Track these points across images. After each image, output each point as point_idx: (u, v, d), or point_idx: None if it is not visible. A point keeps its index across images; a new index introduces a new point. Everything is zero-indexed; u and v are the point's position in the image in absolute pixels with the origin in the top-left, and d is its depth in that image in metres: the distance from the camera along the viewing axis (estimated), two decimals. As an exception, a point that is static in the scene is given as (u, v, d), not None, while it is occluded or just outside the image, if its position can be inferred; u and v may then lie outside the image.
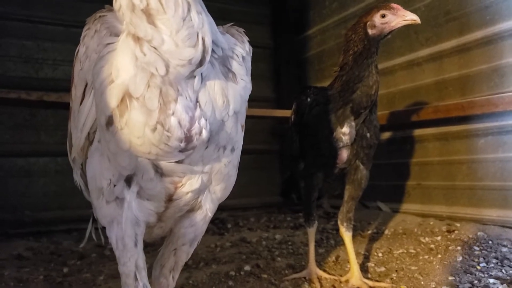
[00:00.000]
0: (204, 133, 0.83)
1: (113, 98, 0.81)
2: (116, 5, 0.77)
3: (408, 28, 2.67)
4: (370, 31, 1.53)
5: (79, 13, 3.13)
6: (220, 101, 0.86)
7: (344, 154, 1.60)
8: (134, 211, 0.94)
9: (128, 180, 0.92)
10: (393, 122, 2.75)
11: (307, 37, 3.84)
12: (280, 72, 3.99)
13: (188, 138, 0.82)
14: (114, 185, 0.92)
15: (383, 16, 1.50)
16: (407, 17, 1.52)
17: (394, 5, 1.53)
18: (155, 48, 0.76)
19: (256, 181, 3.75)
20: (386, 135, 2.93)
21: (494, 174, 2.28)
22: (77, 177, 1.14)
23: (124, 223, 0.94)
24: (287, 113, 2.67)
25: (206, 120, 0.83)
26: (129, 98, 0.80)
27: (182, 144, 0.82)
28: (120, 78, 0.80)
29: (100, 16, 0.96)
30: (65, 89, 2.86)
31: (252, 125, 3.59)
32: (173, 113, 0.79)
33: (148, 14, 0.75)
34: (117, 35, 0.89)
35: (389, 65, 2.91)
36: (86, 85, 0.97)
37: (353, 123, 1.57)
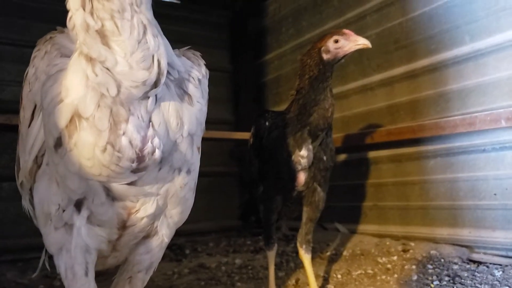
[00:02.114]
0: (157, 153, 0.81)
1: (61, 118, 0.78)
2: (69, 24, 0.75)
3: (361, 55, 2.80)
4: (324, 56, 1.58)
5: (29, 32, 3.05)
6: (174, 122, 0.85)
7: (302, 177, 1.61)
8: (84, 237, 0.90)
9: (78, 205, 0.88)
10: (349, 145, 2.83)
11: (265, 62, 3.91)
12: (239, 95, 4.03)
13: (140, 158, 0.79)
14: (63, 210, 0.87)
15: (336, 41, 1.56)
16: (359, 42, 1.58)
17: (347, 31, 1.60)
18: (107, 69, 0.75)
19: (215, 205, 3.69)
20: (342, 157, 3.00)
21: (444, 194, 2.38)
22: (25, 203, 1.08)
23: (74, 250, 0.89)
24: (245, 135, 2.68)
25: (159, 139, 0.81)
26: (78, 118, 0.77)
27: (134, 165, 0.79)
28: (70, 97, 0.77)
29: (50, 38, 0.94)
30: (13, 111, 2.73)
31: (210, 147, 3.56)
32: (123, 133, 0.77)
33: (102, 35, 0.73)
34: (67, 56, 0.86)
35: (344, 89, 3.01)
36: (35, 107, 0.93)
37: (310, 146, 1.60)
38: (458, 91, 2.31)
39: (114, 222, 0.91)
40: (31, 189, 1.01)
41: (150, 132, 0.80)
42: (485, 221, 2.19)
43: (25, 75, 0.99)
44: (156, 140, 0.80)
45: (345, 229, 2.97)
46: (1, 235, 2.86)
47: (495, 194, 2.16)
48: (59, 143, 0.80)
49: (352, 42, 1.57)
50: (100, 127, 0.76)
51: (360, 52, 2.57)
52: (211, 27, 3.96)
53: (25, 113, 0.96)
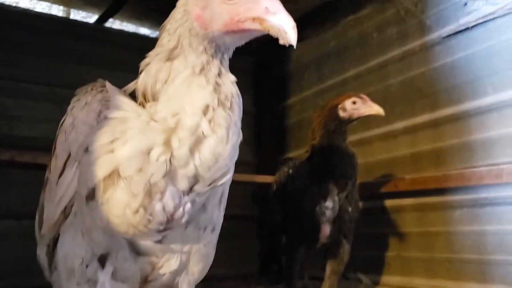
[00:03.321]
0: (186, 217, 0.82)
1: (102, 169, 0.80)
2: (164, 116, 0.83)
3: (384, 102, 2.81)
4: (341, 113, 1.64)
5: (63, 73, 3.19)
6: None
7: (327, 229, 1.61)
8: None
9: (102, 260, 0.88)
10: (372, 192, 2.79)
11: (287, 106, 3.97)
12: (261, 138, 4.07)
13: (169, 221, 0.81)
14: (87, 266, 0.87)
15: (354, 102, 1.62)
16: (374, 108, 1.66)
17: (364, 96, 1.66)
18: (171, 162, 0.81)
19: (233, 250, 3.63)
20: (364, 204, 2.96)
21: (471, 246, 2.30)
22: (41, 253, 1.07)
23: None
24: (267, 178, 2.69)
25: (191, 205, 0.83)
26: (117, 175, 0.79)
27: (162, 227, 0.80)
28: (119, 152, 0.80)
29: (92, 89, 0.98)
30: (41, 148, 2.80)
31: (231, 189, 3.56)
32: (160, 199, 0.79)
33: (199, 140, 0.80)
34: (117, 107, 0.89)
35: (367, 135, 3.02)
36: (68, 157, 0.95)
37: (336, 198, 1.60)
38: (482, 141, 2.29)
39: (137, 277, 0.91)
40: (49, 242, 1.01)
41: (184, 198, 0.81)
42: (515, 277, 2.10)
43: (60, 123, 1.02)
44: (188, 206, 0.82)
45: (368, 280, 2.87)
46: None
47: (525, 249, 2.08)
48: (91, 195, 0.82)
49: (367, 107, 1.64)
50: (134, 190, 0.77)
51: (383, 100, 2.62)
52: (237, 72, 4.07)
53: (57, 162, 0.97)
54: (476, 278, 2.25)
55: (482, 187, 2.22)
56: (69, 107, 1.00)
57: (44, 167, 2.61)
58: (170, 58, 0.89)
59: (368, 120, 3.03)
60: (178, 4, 0.95)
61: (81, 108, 0.96)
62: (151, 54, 0.94)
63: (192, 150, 0.79)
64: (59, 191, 0.94)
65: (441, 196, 2.44)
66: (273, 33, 0.83)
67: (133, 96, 0.97)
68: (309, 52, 3.68)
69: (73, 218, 0.92)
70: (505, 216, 2.17)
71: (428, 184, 2.42)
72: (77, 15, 3.41)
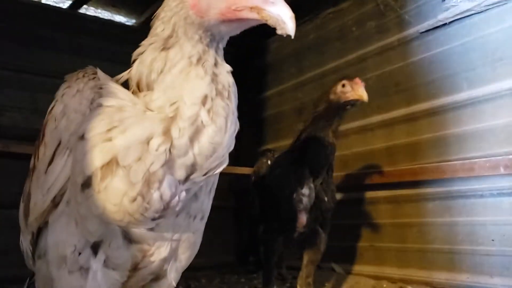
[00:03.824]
0: (180, 205, 0.83)
1: (100, 157, 0.78)
2: (162, 104, 0.83)
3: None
4: (330, 96, 1.63)
5: (34, 60, 3.08)
6: None
7: (303, 217, 1.62)
8: (99, 281, 0.89)
9: (95, 248, 0.87)
10: (347, 184, 2.84)
11: (265, 98, 3.97)
12: (239, 129, 4.06)
13: (164, 209, 0.81)
14: (79, 253, 0.86)
15: (343, 85, 1.62)
16: (357, 92, 1.64)
17: (357, 80, 1.65)
18: (170, 152, 0.81)
19: (210, 240, 3.60)
20: (339, 196, 3.00)
21: (442, 237, 2.38)
22: (25, 242, 1.04)
23: None
24: (245, 170, 2.69)
25: (185, 193, 0.83)
26: (116, 163, 0.77)
27: (157, 215, 0.80)
28: (118, 140, 0.78)
29: (83, 76, 0.95)
30: (11, 137, 2.71)
31: (208, 181, 3.54)
32: (158, 188, 0.78)
33: (198, 129, 0.81)
34: (112, 95, 0.87)
35: (343, 128, 3.03)
36: (58, 145, 0.92)
37: (311, 185, 1.61)
38: (457, 135, 2.35)
39: (128, 264, 0.91)
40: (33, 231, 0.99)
41: (180, 187, 0.82)
42: (483, 267, 2.18)
43: (49, 110, 0.98)
44: (183, 194, 0.82)
45: (341, 269, 2.92)
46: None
47: (493, 240, 2.17)
48: (88, 182, 0.80)
49: (354, 91, 1.63)
50: (133, 179, 0.77)
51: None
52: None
53: (46, 150, 0.94)
54: (446, 268, 2.33)
55: (455, 180, 2.29)
56: (59, 94, 0.97)
57: (15, 156, 2.54)
58: (165, 47, 0.87)
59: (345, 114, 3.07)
60: None
61: (72, 95, 0.93)
62: (144, 43, 0.92)
63: (191, 140, 0.79)
64: (49, 179, 0.92)
65: (416, 188, 2.50)
66: (271, 22, 0.83)
67: (124, 85, 0.95)
68: (288, 44, 3.68)
69: (64, 207, 0.90)
70: (475, 208, 2.25)
71: (404, 177, 2.48)
72: (49, 0, 3.28)
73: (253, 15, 0.84)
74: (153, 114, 0.83)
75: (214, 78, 0.85)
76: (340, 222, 2.91)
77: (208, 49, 0.88)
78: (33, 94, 3.04)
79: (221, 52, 0.93)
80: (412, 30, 2.58)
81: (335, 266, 2.97)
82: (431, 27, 2.46)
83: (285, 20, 0.81)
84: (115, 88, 0.90)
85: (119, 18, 3.59)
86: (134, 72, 0.90)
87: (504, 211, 2.13)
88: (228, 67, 0.92)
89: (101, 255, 0.88)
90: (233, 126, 0.86)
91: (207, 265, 3.57)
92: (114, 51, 3.16)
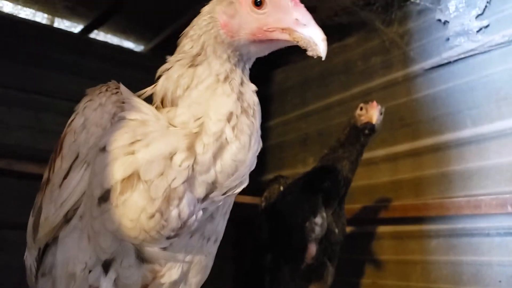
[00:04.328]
0: (195, 225, 0.81)
1: (121, 170, 0.77)
2: (187, 120, 0.83)
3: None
4: (351, 120, 1.64)
5: (41, 80, 3.11)
6: None
7: (313, 248, 1.59)
8: None
9: (106, 266, 0.85)
10: (352, 218, 2.80)
11: (269, 127, 3.98)
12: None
13: (180, 228, 0.79)
14: (90, 271, 0.84)
15: (361, 109, 1.62)
16: (368, 115, 1.64)
17: (373, 103, 1.65)
18: (193, 169, 0.82)
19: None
20: (343, 229, 2.96)
21: (447, 276, 2.32)
22: (31, 259, 1.01)
23: None
24: (247, 199, 2.65)
25: (202, 212, 0.82)
26: (137, 177, 0.77)
27: (173, 233, 0.79)
28: (141, 154, 0.77)
29: (106, 90, 0.95)
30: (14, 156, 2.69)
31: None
32: (177, 206, 0.77)
33: (222, 146, 0.81)
34: (136, 109, 0.87)
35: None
36: (75, 158, 0.91)
37: (324, 214, 1.59)
38: (461, 172, 2.35)
39: (138, 286, 0.89)
40: (40, 247, 0.97)
41: (198, 206, 0.80)
42: (489, 309, 2.12)
43: (68, 123, 0.97)
44: (200, 213, 0.81)
45: (342, 305, 2.85)
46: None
47: (500, 281, 2.12)
48: (106, 196, 0.79)
49: (367, 114, 1.63)
50: (153, 195, 0.76)
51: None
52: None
53: (62, 163, 0.93)
54: (451, 308, 2.27)
55: (460, 218, 2.26)
56: (80, 107, 0.96)
57: (18, 174, 2.52)
58: (193, 64, 0.89)
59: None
60: (203, 11, 0.95)
61: (94, 109, 0.92)
62: (171, 59, 0.94)
63: (215, 156, 0.79)
64: (63, 193, 0.90)
65: (419, 224, 2.47)
66: (302, 44, 0.85)
67: (146, 102, 0.95)
68: (293, 75, 3.73)
69: (77, 221, 0.88)
70: (480, 247, 2.21)
71: (408, 212, 2.45)
72: (61, 24, 3.35)
73: (284, 36, 0.86)
74: (177, 129, 0.83)
75: (240, 96, 0.86)
76: (343, 257, 2.86)
77: (235, 68, 0.90)
78: (38, 114, 3.06)
79: (247, 73, 0.95)
80: (416, 67, 2.62)
81: (336, 302, 2.89)
82: (435, 65, 2.50)
83: (317, 42, 0.83)
84: (139, 102, 0.91)
85: (128, 44, 3.65)
86: (159, 88, 0.91)
87: (511, 252, 2.09)
88: (253, 87, 0.94)
89: (111, 274, 0.86)
90: (257, 144, 0.86)
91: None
92: (121, 74, 3.16)
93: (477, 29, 2.31)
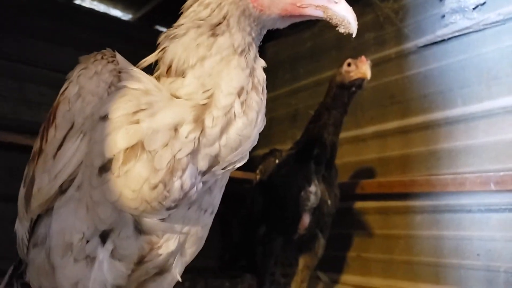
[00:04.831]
0: (195, 196, 0.81)
1: (123, 140, 0.75)
2: (198, 95, 0.82)
3: (355, 106, 2.87)
4: (337, 78, 1.61)
5: (24, 49, 3.00)
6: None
7: (307, 219, 1.61)
8: (105, 272, 0.85)
9: (104, 237, 0.84)
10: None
11: (258, 102, 3.96)
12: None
13: (181, 199, 0.79)
14: (87, 241, 0.83)
15: (349, 64, 1.59)
16: (360, 70, 1.60)
17: (362, 58, 1.61)
18: (199, 141, 0.81)
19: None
20: (329, 204, 3.00)
21: (429, 250, 2.40)
22: (23, 229, 0.99)
23: (92, 286, 0.83)
24: (237, 173, 2.66)
25: (202, 185, 0.82)
26: (141, 147, 0.75)
27: (174, 204, 0.78)
28: (146, 124, 0.75)
29: (102, 58, 0.91)
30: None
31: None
32: (180, 177, 0.76)
33: (230, 121, 0.80)
34: (136, 79, 0.85)
35: (336, 138, 3.06)
36: (71, 128, 0.88)
37: (316, 182, 1.60)
38: (449, 150, 2.39)
39: (135, 257, 0.88)
40: (32, 218, 0.95)
41: (199, 178, 0.80)
42: (468, 281, 2.21)
43: (61, 92, 0.94)
44: (200, 185, 0.81)
45: (327, 278, 2.92)
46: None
47: (478, 255, 2.20)
48: (107, 166, 0.77)
49: (358, 69, 1.59)
50: (157, 165, 0.74)
51: (355, 104, 2.66)
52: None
53: (56, 133, 0.89)
54: (431, 280, 2.35)
55: (445, 194, 2.32)
56: (73, 75, 0.92)
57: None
58: (214, 33, 0.85)
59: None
60: None
61: (89, 77, 0.88)
62: (182, 26, 0.89)
63: (222, 130, 0.78)
64: (58, 164, 0.87)
65: (405, 200, 2.52)
66: (335, 21, 0.87)
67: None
68: (284, 50, 3.69)
69: (74, 192, 0.86)
70: (462, 222, 2.28)
71: (394, 188, 2.49)
72: (44, -11, 3.20)
73: (318, 13, 0.87)
74: (182, 100, 0.81)
75: (252, 71, 0.85)
76: (331, 230, 2.92)
77: (253, 42, 0.88)
78: (20, 84, 2.97)
79: (257, 46, 0.93)
80: (410, 44, 2.61)
81: (321, 275, 2.96)
82: (429, 42, 2.50)
83: (350, 21, 0.86)
84: (137, 72, 0.88)
85: (115, 12, 3.53)
86: (169, 55, 0.87)
87: (491, 227, 2.16)
88: (263, 62, 0.93)
89: (109, 245, 0.85)
90: (262, 122, 0.86)
91: (189, 268, 3.52)
92: (107, 45, 3.07)
93: (473, 6, 2.31)
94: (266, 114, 3.29)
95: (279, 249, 1.65)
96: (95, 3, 3.45)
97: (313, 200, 1.58)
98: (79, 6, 3.35)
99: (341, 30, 0.88)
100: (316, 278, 2.98)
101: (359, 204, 2.84)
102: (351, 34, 0.87)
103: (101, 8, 3.47)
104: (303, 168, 1.60)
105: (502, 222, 2.11)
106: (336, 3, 0.86)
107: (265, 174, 1.73)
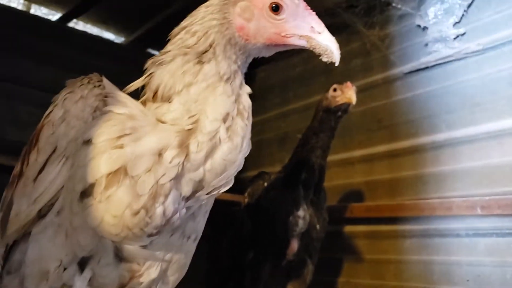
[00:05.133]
0: (178, 222, 0.81)
1: (106, 164, 0.75)
2: (180, 116, 0.83)
3: (344, 129, 2.91)
4: (323, 102, 1.64)
5: (17, 69, 3.01)
6: None
7: (295, 244, 1.60)
8: None
9: (82, 264, 0.82)
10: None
11: (248, 126, 3.98)
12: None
13: (163, 225, 0.78)
14: (64, 269, 0.81)
15: (335, 90, 1.62)
16: (345, 95, 1.64)
17: (347, 84, 1.65)
18: (183, 166, 0.81)
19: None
20: (319, 228, 2.98)
21: (419, 275, 2.39)
22: None
23: None
24: (226, 196, 2.65)
25: (186, 211, 0.82)
26: (124, 172, 0.74)
27: (155, 231, 0.77)
28: (130, 148, 0.75)
29: (88, 82, 0.92)
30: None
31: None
32: (162, 203, 0.76)
33: (215, 146, 0.81)
34: (121, 104, 0.85)
35: (325, 161, 3.08)
36: (53, 152, 0.87)
37: (305, 206, 1.60)
38: (435, 174, 2.41)
39: (114, 285, 0.87)
40: (7, 245, 0.93)
41: (182, 204, 0.80)
42: (457, 307, 2.19)
43: (46, 114, 0.94)
44: (183, 211, 0.80)
45: (316, 303, 2.88)
46: None
47: (468, 280, 2.19)
48: (89, 191, 0.76)
49: (343, 94, 1.63)
50: (140, 191, 0.74)
51: (344, 128, 2.70)
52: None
53: (38, 156, 0.89)
54: (421, 307, 2.33)
55: (433, 218, 2.33)
56: (59, 99, 0.92)
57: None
58: (200, 61, 0.87)
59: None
60: (209, 8, 0.93)
61: (75, 101, 0.88)
62: (169, 53, 0.90)
63: (207, 155, 0.78)
64: (38, 188, 0.86)
65: (394, 225, 2.52)
66: (318, 51, 0.91)
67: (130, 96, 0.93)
68: (274, 75, 3.74)
69: (54, 217, 0.85)
70: (451, 247, 2.28)
71: (383, 212, 2.50)
72: (38, 11, 3.25)
73: (301, 43, 0.91)
74: (167, 125, 0.82)
75: (238, 98, 0.87)
76: (319, 255, 2.89)
77: (238, 69, 0.90)
78: (11, 103, 2.96)
79: (243, 73, 0.95)
80: (396, 70, 2.68)
81: (310, 300, 2.92)
82: (414, 69, 2.56)
83: (333, 50, 0.90)
84: (123, 97, 0.89)
85: (108, 35, 3.58)
86: (155, 81, 0.88)
87: (479, 252, 2.16)
88: (248, 89, 0.95)
89: (87, 273, 0.83)
90: (247, 146, 0.87)
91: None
92: (99, 66, 3.11)
93: (454, 36, 2.39)
94: (256, 136, 3.30)
95: (267, 274, 1.63)
96: (88, 26, 3.50)
97: (301, 225, 1.58)
98: (73, 28, 3.39)
99: (324, 59, 0.92)
100: (306, 304, 2.93)
101: (348, 228, 2.83)
102: (334, 63, 0.90)
103: (94, 31, 3.52)
104: (291, 193, 1.60)
105: (490, 247, 2.12)
106: (320, 33, 0.89)
107: (253, 197, 1.73)
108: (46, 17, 3.25)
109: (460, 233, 2.24)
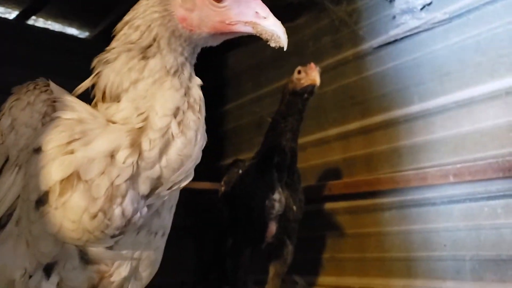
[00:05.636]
0: (141, 220, 0.79)
1: (58, 171, 0.73)
2: (130, 115, 0.82)
3: (318, 109, 2.92)
4: (289, 86, 1.64)
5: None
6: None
7: (273, 227, 1.62)
8: None
9: (48, 270, 0.81)
10: (307, 196, 2.86)
11: (224, 112, 3.97)
12: (198, 144, 4.00)
13: (125, 226, 0.77)
14: (30, 276, 0.80)
15: (299, 72, 1.62)
16: (310, 77, 1.64)
17: (311, 65, 1.65)
18: (138, 165, 0.80)
19: (167, 259, 3.52)
20: (300, 208, 3.02)
21: (399, 245, 2.45)
22: None
23: None
24: (206, 185, 2.64)
25: (147, 209, 0.80)
26: (77, 178, 0.73)
27: (117, 232, 0.76)
28: (81, 153, 0.73)
29: (34, 88, 0.89)
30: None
31: (166, 197, 3.42)
32: (120, 204, 0.74)
33: (168, 142, 0.79)
34: (69, 108, 0.83)
35: (301, 142, 3.08)
36: (5, 162, 0.85)
37: (280, 189, 1.61)
38: (410, 147, 2.46)
39: (84, 287, 0.85)
40: None
41: (142, 203, 0.78)
42: (436, 272, 2.27)
43: None
44: (145, 210, 0.79)
45: (303, 281, 2.93)
46: None
47: (445, 245, 2.26)
48: (43, 199, 0.75)
49: (308, 76, 1.64)
50: (95, 194, 0.73)
51: (317, 107, 2.71)
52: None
53: None
54: (403, 275, 2.40)
55: (409, 190, 2.38)
56: (6, 107, 0.90)
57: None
58: (144, 56, 0.84)
59: (302, 128, 3.12)
60: (150, 0, 0.90)
61: (22, 108, 0.86)
62: (114, 50, 0.88)
63: (161, 152, 0.77)
64: None
65: (373, 198, 2.57)
66: (265, 36, 0.89)
67: (80, 98, 0.90)
68: (245, 59, 3.71)
69: (13, 227, 0.83)
70: (428, 216, 2.34)
71: (361, 188, 2.54)
72: (-6, 10, 3.11)
73: (247, 29, 0.89)
74: (118, 125, 0.80)
75: (187, 91, 0.85)
76: (301, 235, 2.93)
77: (186, 61, 0.87)
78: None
79: (193, 65, 0.93)
80: (365, 46, 2.68)
81: (297, 278, 2.97)
82: (383, 43, 2.57)
83: (279, 35, 0.89)
84: (71, 101, 0.86)
85: (71, 31, 3.46)
86: (102, 81, 0.86)
87: (455, 218, 2.23)
88: (199, 81, 0.92)
89: (54, 278, 0.82)
90: (203, 139, 0.85)
91: (163, 284, 3.44)
92: (65, 64, 3.04)
93: (421, 7, 2.40)
94: (233, 122, 3.30)
95: (248, 259, 1.65)
96: (49, 22, 3.37)
97: (278, 207, 1.59)
98: (33, 26, 3.26)
99: (272, 44, 0.91)
100: (292, 282, 2.98)
101: (328, 206, 2.87)
102: (283, 48, 0.90)
103: (56, 27, 3.39)
104: (265, 177, 1.61)
105: (464, 212, 2.19)
106: (265, 18, 0.87)
107: (229, 185, 1.73)
108: (2, 16, 3.11)
109: (436, 202, 2.30)
